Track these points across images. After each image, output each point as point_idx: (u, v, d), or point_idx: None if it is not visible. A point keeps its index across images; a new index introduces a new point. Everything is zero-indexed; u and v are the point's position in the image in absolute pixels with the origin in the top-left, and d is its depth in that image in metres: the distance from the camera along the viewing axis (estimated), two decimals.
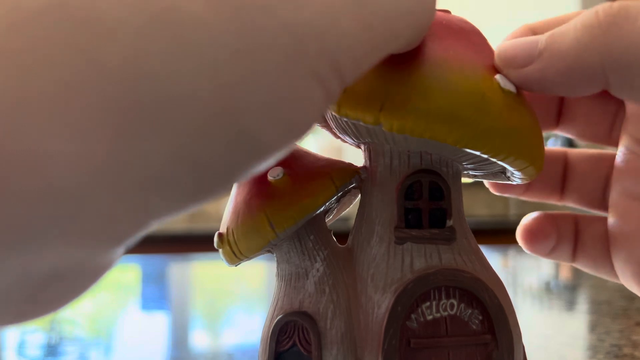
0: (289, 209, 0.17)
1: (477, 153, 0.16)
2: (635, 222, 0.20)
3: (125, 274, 0.94)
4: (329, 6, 0.11)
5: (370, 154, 0.19)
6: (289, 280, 0.18)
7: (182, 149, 0.10)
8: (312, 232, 0.19)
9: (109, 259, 0.11)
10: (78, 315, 0.65)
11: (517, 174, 0.17)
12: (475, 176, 0.20)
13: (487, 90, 0.16)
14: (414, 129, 0.15)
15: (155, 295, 0.82)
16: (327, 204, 0.18)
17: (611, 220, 0.21)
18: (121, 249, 0.11)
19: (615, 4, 0.15)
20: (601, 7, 0.15)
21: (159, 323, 0.65)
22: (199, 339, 0.58)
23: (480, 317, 0.17)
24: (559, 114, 0.23)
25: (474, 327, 0.17)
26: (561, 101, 0.23)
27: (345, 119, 0.16)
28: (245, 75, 0.10)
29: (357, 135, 0.18)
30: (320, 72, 0.11)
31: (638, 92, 0.16)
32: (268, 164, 0.11)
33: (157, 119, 0.10)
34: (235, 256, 0.18)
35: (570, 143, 2.44)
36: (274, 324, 0.18)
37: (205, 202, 0.11)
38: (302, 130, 0.11)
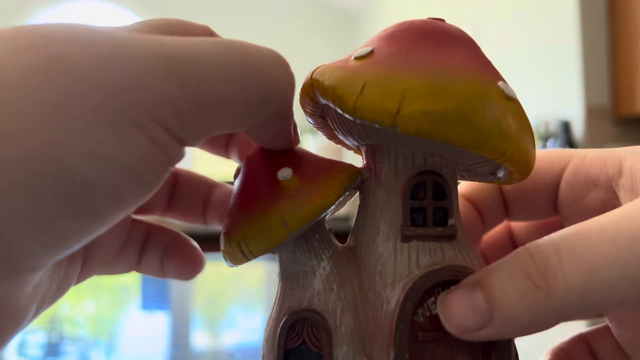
0: (303, 209, 0.17)
1: (482, 155, 0.16)
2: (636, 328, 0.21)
3: (125, 274, 0.94)
4: (135, 68, 0.13)
5: (373, 155, 0.19)
6: (296, 279, 0.19)
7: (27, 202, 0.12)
8: (317, 232, 0.19)
9: None
10: (79, 314, 0.65)
11: (508, 175, 0.18)
12: (463, 177, 0.21)
13: (493, 96, 0.16)
14: (430, 131, 0.16)
15: (156, 295, 0.82)
16: (336, 203, 0.18)
17: (615, 331, 0.22)
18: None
19: (532, 262, 0.15)
20: (527, 270, 0.15)
21: (160, 323, 0.65)
22: (199, 339, 0.58)
23: None
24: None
25: None
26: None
27: (359, 121, 0.16)
28: (60, 123, 0.12)
29: (363, 137, 0.19)
30: (138, 120, 0.13)
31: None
32: (117, 208, 0.14)
33: None
34: (244, 256, 0.18)
35: (570, 145, 2.45)
36: (282, 323, 0.18)
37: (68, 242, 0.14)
38: (135, 169, 0.13)
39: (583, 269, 0.14)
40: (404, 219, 0.18)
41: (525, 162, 0.17)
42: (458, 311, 0.16)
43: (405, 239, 0.18)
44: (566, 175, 0.21)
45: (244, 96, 0.15)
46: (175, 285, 0.90)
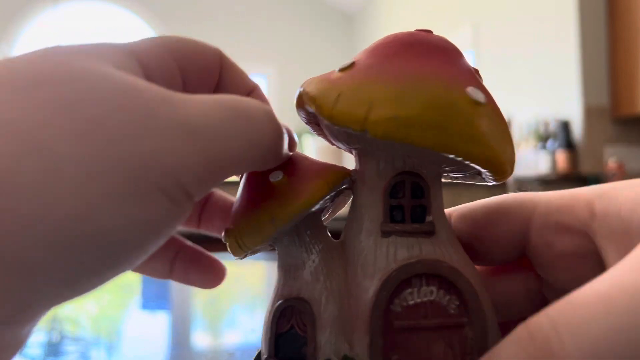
0: (288, 207, 0.19)
1: (451, 156, 0.17)
2: None
3: (126, 274, 0.95)
4: (167, 140, 0.15)
5: (360, 158, 0.21)
6: (289, 270, 0.20)
7: (57, 248, 0.13)
8: (308, 228, 0.21)
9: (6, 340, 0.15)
10: (79, 314, 0.66)
11: (490, 175, 0.19)
12: (455, 178, 0.22)
13: (458, 100, 0.18)
14: (395, 135, 0.17)
15: (156, 294, 0.83)
16: (321, 202, 0.20)
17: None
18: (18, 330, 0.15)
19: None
20: (529, 351, 0.15)
21: (160, 322, 0.66)
22: (199, 339, 0.59)
23: (457, 303, 0.18)
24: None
25: (452, 311, 0.18)
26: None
27: (337, 127, 0.18)
28: (100, 190, 0.14)
29: (349, 141, 0.20)
30: (165, 187, 0.15)
31: None
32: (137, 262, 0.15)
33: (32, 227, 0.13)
34: (240, 249, 0.20)
35: (569, 145, 2.46)
36: (274, 309, 0.20)
37: (88, 287, 0.15)
38: (157, 226, 0.15)
39: (584, 343, 0.15)
40: (384, 216, 0.19)
41: (497, 163, 0.18)
42: None
43: (385, 234, 0.19)
44: (535, 225, 0.21)
45: (245, 152, 0.17)
46: (175, 285, 0.91)
